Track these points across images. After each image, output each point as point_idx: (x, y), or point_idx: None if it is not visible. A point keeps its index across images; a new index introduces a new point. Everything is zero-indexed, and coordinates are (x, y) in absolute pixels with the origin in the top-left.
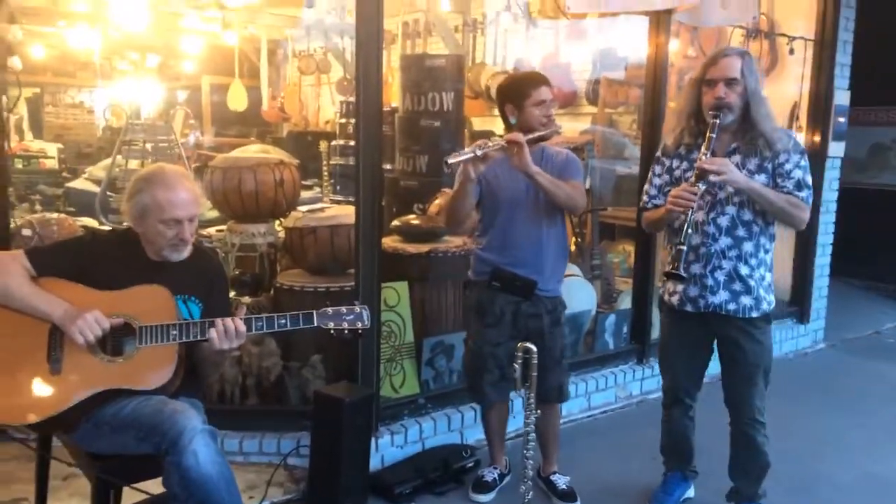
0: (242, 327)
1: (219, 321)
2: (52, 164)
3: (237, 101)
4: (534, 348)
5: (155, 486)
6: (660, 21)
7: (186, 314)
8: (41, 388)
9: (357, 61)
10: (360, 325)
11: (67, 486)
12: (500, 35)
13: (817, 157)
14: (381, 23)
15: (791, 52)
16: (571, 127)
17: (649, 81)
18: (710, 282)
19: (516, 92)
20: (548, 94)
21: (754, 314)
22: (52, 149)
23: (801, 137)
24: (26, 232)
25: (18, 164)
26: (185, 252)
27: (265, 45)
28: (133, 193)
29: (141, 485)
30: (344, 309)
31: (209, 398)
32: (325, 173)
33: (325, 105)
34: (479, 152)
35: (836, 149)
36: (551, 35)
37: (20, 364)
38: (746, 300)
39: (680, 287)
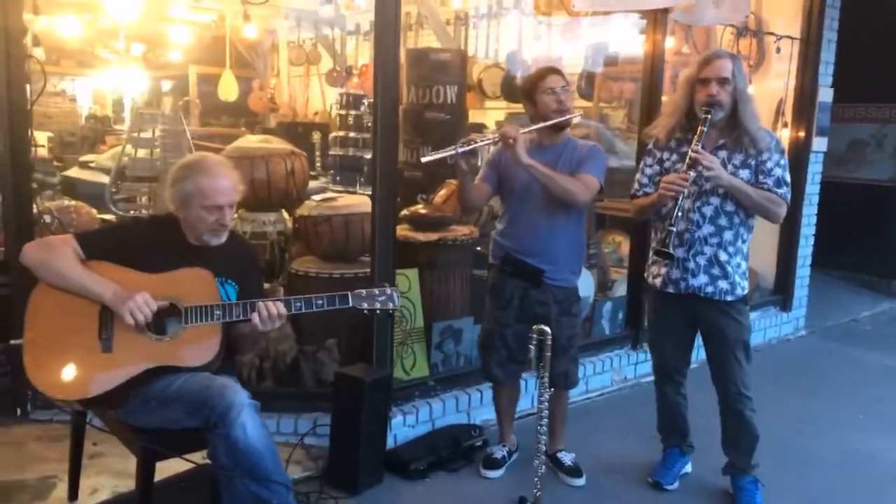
0: (283, 309)
1: (261, 304)
2: (42, 152)
3: (228, 91)
4: (548, 330)
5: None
6: (657, 19)
7: (224, 296)
8: (94, 366)
9: (375, 54)
10: (391, 305)
11: (94, 464)
12: (493, 29)
13: (801, 152)
14: (399, 15)
15: (778, 50)
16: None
17: (646, 77)
18: (691, 265)
19: (529, 86)
20: (558, 82)
21: (729, 298)
22: (42, 137)
23: (787, 133)
24: (47, 218)
25: None
26: (224, 236)
27: (297, 37)
28: (176, 181)
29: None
30: (376, 290)
31: None
32: (318, 163)
33: (314, 96)
34: (460, 149)
35: (820, 144)
36: (543, 30)
37: (73, 343)
38: (723, 284)
39: (664, 269)
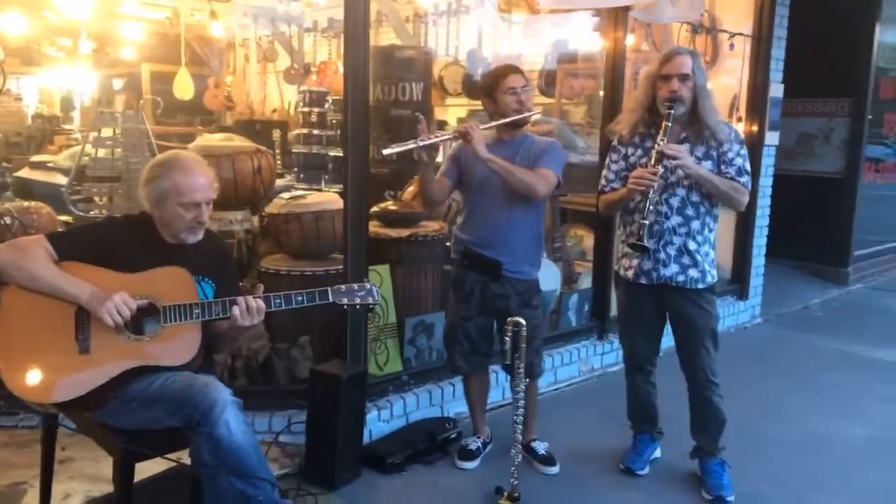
0: (263, 305)
1: (241, 299)
2: None
3: (184, 89)
4: (523, 322)
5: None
6: (617, 17)
7: (202, 294)
8: (72, 368)
9: (345, 53)
10: (370, 300)
11: (65, 469)
12: (452, 26)
13: (755, 146)
14: (368, 15)
15: (731, 47)
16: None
17: (608, 74)
18: (662, 255)
19: (489, 84)
20: (519, 81)
21: (700, 286)
22: None
23: (741, 127)
24: (7, 220)
25: None
26: (201, 234)
27: (254, 35)
28: (151, 179)
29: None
30: (356, 286)
31: None
32: (279, 160)
33: (272, 93)
34: (420, 143)
35: (772, 137)
36: (504, 27)
37: (48, 345)
38: (693, 273)
39: (635, 261)
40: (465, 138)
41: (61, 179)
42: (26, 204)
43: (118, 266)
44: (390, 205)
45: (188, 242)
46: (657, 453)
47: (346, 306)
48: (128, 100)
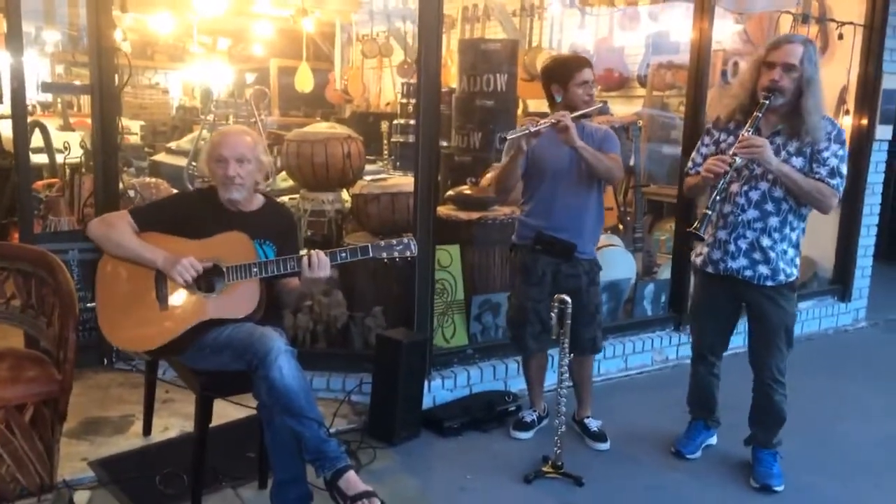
0: (326, 259)
1: (308, 253)
2: (134, 139)
3: (304, 82)
4: (568, 300)
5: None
6: (703, 7)
7: (262, 255)
8: (155, 322)
9: (419, 45)
10: (408, 253)
11: (166, 408)
12: (557, 20)
13: (863, 140)
14: (441, 8)
15: (840, 36)
16: (624, 110)
17: (693, 65)
18: (731, 248)
19: (562, 73)
20: (590, 75)
21: (769, 283)
22: (135, 126)
23: (849, 120)
24: (131, 193)
25: None
26: (237, 193)
27: (339, 31)
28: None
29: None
30: (394, 241)
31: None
32: (386, 151)
33: (387, 87)
34: (532, 129)
35: (884, 132)
36: (606, 20)
37: (135, 303)
38: (763, 269)
39: (705, 249)
40: (559, 128)
41: (184, 161)
42: (147, 180)
43: (188, 234)
44: (465, 189)
45: (234, 198)
46: (712, 441)
47: (385, 260)
48: (254, 92)
